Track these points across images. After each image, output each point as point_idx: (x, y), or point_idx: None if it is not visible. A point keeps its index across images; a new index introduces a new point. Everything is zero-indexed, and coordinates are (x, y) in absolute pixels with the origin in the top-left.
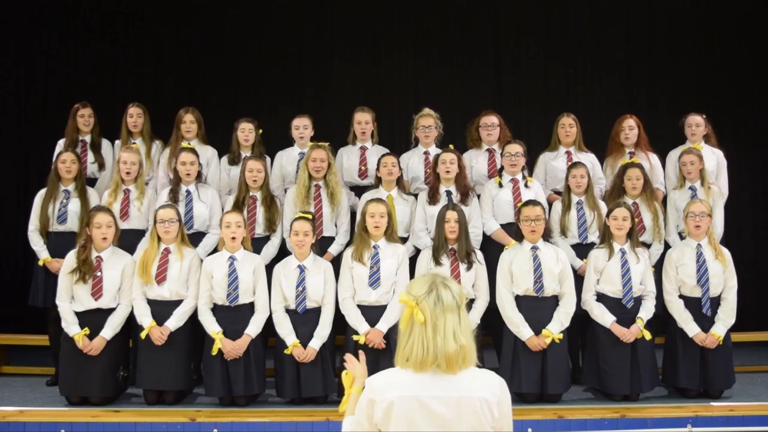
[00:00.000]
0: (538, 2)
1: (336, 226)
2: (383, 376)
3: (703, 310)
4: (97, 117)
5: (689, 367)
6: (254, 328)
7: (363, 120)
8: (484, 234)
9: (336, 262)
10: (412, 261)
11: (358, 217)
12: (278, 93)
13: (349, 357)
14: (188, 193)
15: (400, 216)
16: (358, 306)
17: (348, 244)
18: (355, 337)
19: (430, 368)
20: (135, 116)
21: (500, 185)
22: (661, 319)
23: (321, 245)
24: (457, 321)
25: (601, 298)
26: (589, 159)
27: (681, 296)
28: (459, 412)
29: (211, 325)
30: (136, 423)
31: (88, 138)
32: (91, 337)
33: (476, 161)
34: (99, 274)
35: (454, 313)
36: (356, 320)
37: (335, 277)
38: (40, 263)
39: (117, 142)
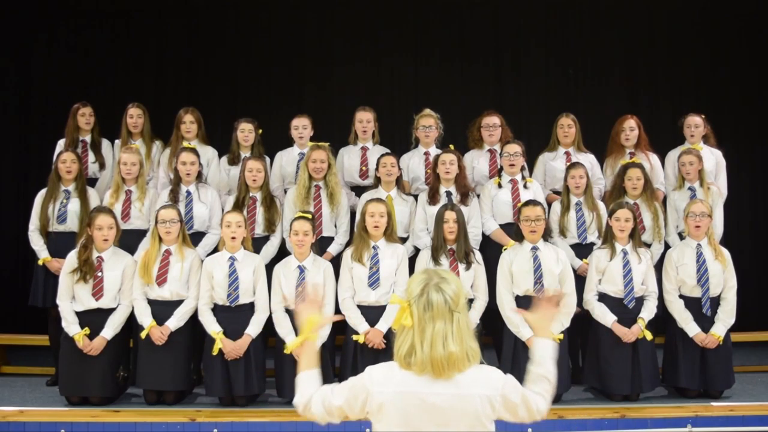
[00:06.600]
0: (538, 3)
1: (335, 226)
2: (384, 369)
3: (702, 310)
4: (97, 117)
5: (689, 367)
6: (254, 328)
7: (364, 119)
8: (483, 234)
9: (335, 262)
10: (412, 261)
11: (358, 217)
12: (278, 93)
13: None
14: (188, 193)
15: (399, 216)
16: (358, 306)
17: (347, 245)
18: (354, 337)
19: (417, 370)
20: (135, 116)
21: (499, 185)
22: (661, 319)
23: (320, 245)
24: (449, 326)
25: (602, 298)
26: (588, 159)
27: (681, 296)
28: (458, 409)
29: (211, 325)
30: (136, 423)
31: (88, 138)
32: (92, 337)
33: (478, 161)
34: (100, 274)
35: (444, 318)
36: (356, 320)
37: (335, 277)
38: (40, 263)
39: (117, 142)
